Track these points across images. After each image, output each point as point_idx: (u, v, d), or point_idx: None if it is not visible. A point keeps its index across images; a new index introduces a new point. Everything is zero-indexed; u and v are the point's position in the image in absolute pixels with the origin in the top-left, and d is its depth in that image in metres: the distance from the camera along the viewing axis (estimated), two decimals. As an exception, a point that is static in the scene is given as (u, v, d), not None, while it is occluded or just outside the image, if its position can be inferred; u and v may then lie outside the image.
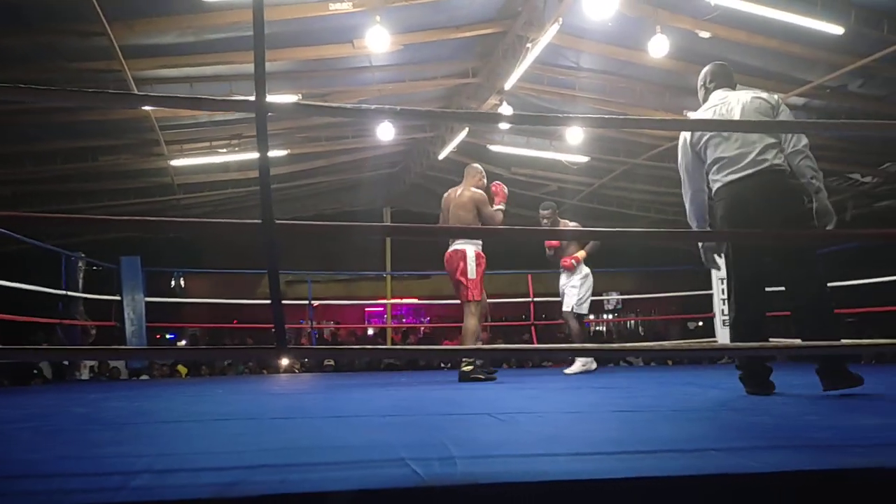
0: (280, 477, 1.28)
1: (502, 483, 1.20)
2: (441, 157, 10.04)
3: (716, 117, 3.02)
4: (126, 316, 6.71)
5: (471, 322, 4.57)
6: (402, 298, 16.39)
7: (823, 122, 6.52)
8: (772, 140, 2.90)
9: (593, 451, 1.57)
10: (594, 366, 5.60)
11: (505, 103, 7.71)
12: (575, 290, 5.58)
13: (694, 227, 3.18)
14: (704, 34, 6.23)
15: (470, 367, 4.46)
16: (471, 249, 4.66)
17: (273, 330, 1.62)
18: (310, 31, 6.41)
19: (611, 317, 18.21)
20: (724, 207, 2.98)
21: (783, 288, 2.95)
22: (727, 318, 7.69)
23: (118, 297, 6.79)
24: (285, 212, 11.80)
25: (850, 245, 5.65)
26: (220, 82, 6.97)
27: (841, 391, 2.73)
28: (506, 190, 5.06)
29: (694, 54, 6.82)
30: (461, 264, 4.64)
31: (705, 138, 3.00)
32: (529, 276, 8.30)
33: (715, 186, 3.03)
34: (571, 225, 5.88)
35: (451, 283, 4.82)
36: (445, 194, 4.99)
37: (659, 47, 6.19)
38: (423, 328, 16.14)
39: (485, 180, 4.96)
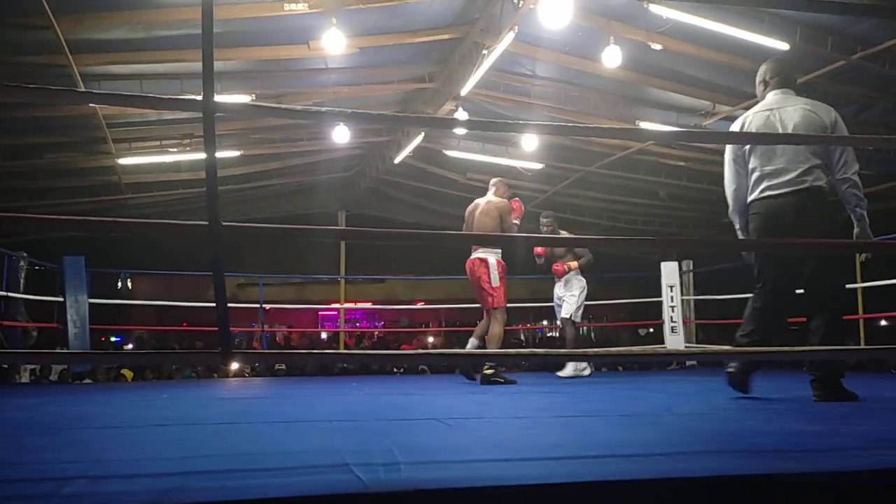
0: (218, 484, 1.25)
1: (446, 489, 1.20)
2: (397, 161, 10.02)
3: (765, 123, 2.95)
4: (69, 318, 6.52)
5: (496, 329, 4.70)
6: (356, 303, 16.30)
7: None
8: (818, 161, 2.86)
9: (537, 456, 1.58)
10: (587, 371, 5.69)
11: (461, 109, 7.75)
12: (574, 298, 5.79)
13: (735, 221, 3.16)
14: (656, 46, 6.37)
15: (491, 371, 4.57)
16: (492, 258, 4.79)
17: (219, 333, 1.59)
18: (264, 31, 6.33)
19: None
20: (757, 221, 2.98)
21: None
22: (674, 324, 7.88)
23: (61, 299, 6.59)
24: (238, 214, 11.62)
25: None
26: (171, 80, 6.83)
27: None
28: (523, 207, 5.24)
29: (646, 65, 6.97)
30: (484, 274, 4.78)
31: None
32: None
33: (751, 197, 3.02)
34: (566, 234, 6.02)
35: (474, 290, 4.97)
36: (471, 205, 5.13)
37: (612, 58, 6.30)
38: (377, 332, 16.07)
39: (509, 193, 5.21)
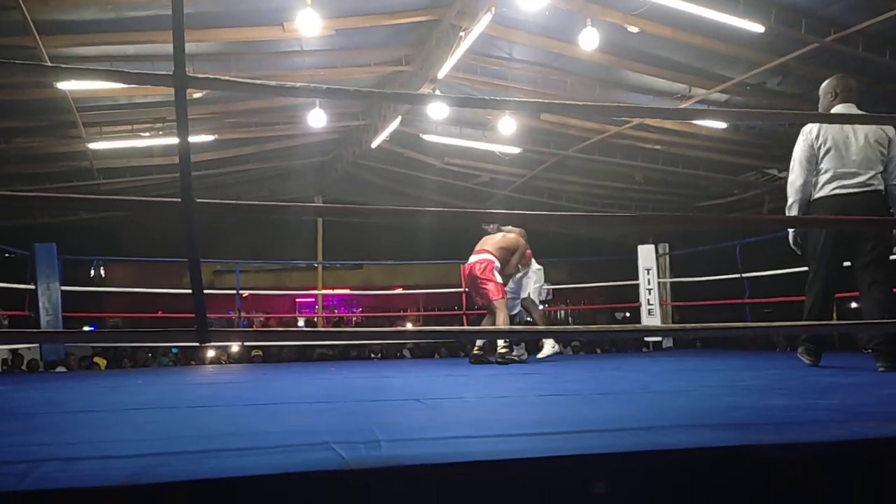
0: (194, 463, 1.23)
1: (427, 465, 1.19)
2: (374, 145, 9.95)
3: (840, 131, 3.38)
4: (41, 305, 6.39)
5: (501, 317, 4.96)
6: (333, 289, 16.24)
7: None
8: (881, 168, 3.36)
9: (518, 432, 1.57)
10: (558, 348, 5.97)
11: (438, 92, 7.70)
12: (531, 278, 5.90)
13: (795, 211, 3.52)
14: (633, 29, 6.36)
15: (505, 350, 4.91)
16: (497, 262, 5.16)
17: (195, 313, 1.56)
18: (238, 12, 6.23)
19: (542, 307, 18.48)
20: (826, 214, 3.39)
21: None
22: (651, 307, 7.95)
23: (32, 286, 6.46)
24: (213, 199, 11.45)
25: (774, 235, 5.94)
26: (142, 62, 6.70)
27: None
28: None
29: (623, 48, 6.97)
30: (489, 269, 5.09)
31: (826, 146, 3.39)
32: (461, 266, 8.32)
33: (819, 194, 3.44)
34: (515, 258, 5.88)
35: (471, 291, 5.29)
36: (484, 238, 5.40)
37: (589, 40, 6.29)
38: (355, 319, 16.03)
39: (526, 247, 5.41)
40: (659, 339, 7.93)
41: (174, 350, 9.27)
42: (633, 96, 7.97)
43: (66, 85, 6.94)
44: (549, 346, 5.81)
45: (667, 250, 8.81)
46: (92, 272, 15.29)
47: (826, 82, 3.64)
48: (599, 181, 11.48)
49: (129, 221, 13.24)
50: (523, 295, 5.89)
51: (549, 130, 9.74)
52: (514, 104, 2.99)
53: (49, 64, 5.23)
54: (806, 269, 3.65)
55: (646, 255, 8.06)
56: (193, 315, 1.52)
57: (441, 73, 7.25)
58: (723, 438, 1.40)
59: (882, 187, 3.34)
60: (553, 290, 7.29)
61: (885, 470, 1.31)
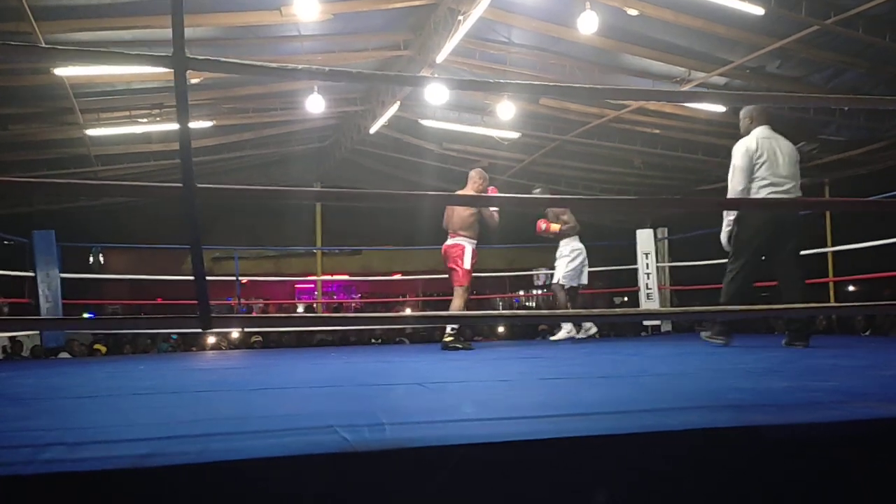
0: (200, 447, 1.24)
1: (431, 447, 1.19)
2: (372, 131, 9.91)
3: (768, 148, 4.06)
4: (40, 292, 6.39)
5: (456, 303, 5.22)
6: (332, 275, 16.24)
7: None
8: (798, 177, 4.12)
9: (522, 415, 1.58)
10: (580, 333, 6.01)
11: (437, 76, 7.66)
12: (563, 262, 6.02)
13: (731, 215, 4.20)
14: (633, 12, 6.32)
15: (451, 338, 5.06)
16: (469, 247, 5.25)
17: (197, 299, 1.56)
18: (236, -3, 6.18)
19: (540, 292, 18.54)
20: (766, 213, 4.05)
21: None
22: (650, 291, 7.96)
23: (32, 274, 6.46)
24: (211, 185, 11.42)
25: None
26: (140, 47, 6.64)
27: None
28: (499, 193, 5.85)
29: (622, 32, 6.93)
30: (458, 256, 5.24)
31: (763, 159, 4.03)
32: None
33: (757, 196, 4.03)
34: (565, 217, 6.18)
35: (448, 271, 5.39)
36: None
37: (588, 24, 6.24)
38: (354, 304, 16.06)
39: (486, 184, 5.41)
40: (658, 323, 7.94)
41: (174, 336, 9.27)
42: (633, 80, 7.93)
43: (64, 71, 6.90)
44: (564, 331, 5.99)
45: (666, 234, 8.81)
46: (91, 259, 15.27)
47: (744, 109, 4.35)
48: (598, 166, 11.45)
49: (128, 208, 13.21)
50: (553, 281, 6.02)
51: (547, 115, 9.70)
52: (514, 87, 2.98)
53: (46, 45, 5.19)
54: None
55: (644, 239, 8.06)
56: (194, 301, 1.53)
57: (440, 58, 7.20)
58: (725, 419, 1.41)
59: (798, 193, 4.12)
60: (551, 275, 7.31)
61: (884, 449, 1.32)
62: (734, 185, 4.11)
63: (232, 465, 1.09)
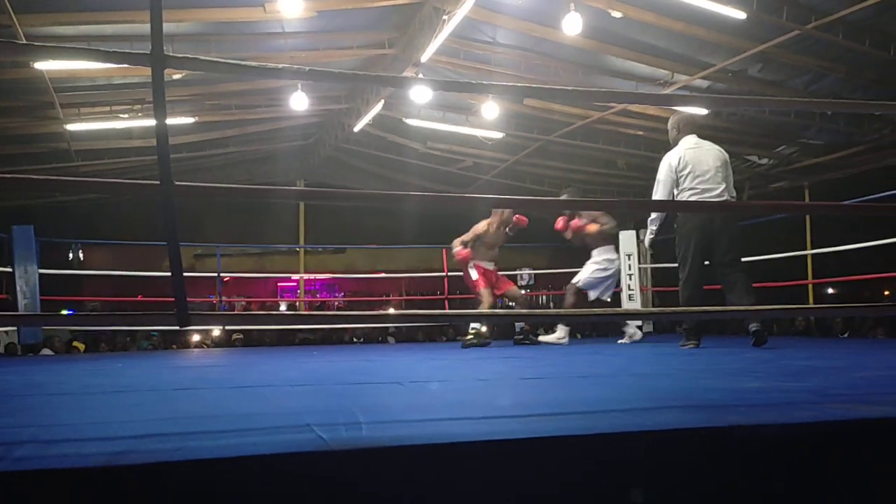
0: (174, 445, 1.23)
1: (408, 446, 1.20)
2: (356, 129, 9.89)
3: (692, 158, 4.26)
4: (18, 288, 6.31)
5: (482, 307, 5.72)
6: (315, 273, 16.16)
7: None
8: (725, 184, 4.25)
9: (498, 414, 1.59)
10: (625, 339, 5.81)
11: (421, 76, 7.65)
12: (591, 267, 5.84)
13: (657, 223, 4.58)
14: (616, 14, 6.36)
15: (471, 336, 5.54)
16: (472, 270, 5.85)
17: (174, 296, 1.55)
18: (218, -7, 6.15)
19: (523, 292, 18.57)
20: (693, 221, 4.24)
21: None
22: (632, 292, 8.01)
23: (9, 269, 6.38)
24: (192, 182, 11.33)
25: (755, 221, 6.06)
26: (120, 42, 6.60)
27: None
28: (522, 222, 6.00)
29: (606, 34, 6.97)
30: (465, 276, 5.94)
31: (687, 170, 4.23)
32: (444, 251, 8.33)
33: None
34: (603, 219, 5.91)
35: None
36: (489, 227, 5.89)
37: (572, 25, 6.27)
38: (337, 303, 16.01)
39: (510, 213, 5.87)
40: (639, 323, 8.00)
41: (154, 333, 9.19)
42: (617, 82, 7.98)
43: (44, 65, 6.82)
44: (556, 334, 5.89)
45: (648, 236, 8.86)
46: (70, 255, 15.08)
47: (671, 119, 4.60)
48: (582, 167, 11.50)
49: (109, 204, 13.08)
50: (572, 281, 5.85)
51: (532, 115, 9.73)
52: (498, 88, 2.98)
53: (23, 42, 5.13)
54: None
55: (627, 240, 8.11)
56: (173, 299, 1.52)
57: (424, 57, 7.21)
58: (698, 420, 1.42)
59: (729, 198, 4.26)
60: (535, 274, 7.36)
61: (856, 451, 1.34)
62: (656, 198, 4.40)
63: (205, 465, 1.08)
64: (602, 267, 5.81)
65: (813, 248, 6.87)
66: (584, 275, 5.84)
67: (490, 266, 5.96)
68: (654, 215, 4.55)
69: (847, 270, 7.58)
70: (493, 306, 5.96)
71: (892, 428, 1.37)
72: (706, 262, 4.29)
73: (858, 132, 8.69)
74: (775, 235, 8.54)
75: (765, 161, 10.35)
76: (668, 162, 4.35)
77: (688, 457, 1.26)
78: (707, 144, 4.40)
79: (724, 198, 4.22)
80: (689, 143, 4.36)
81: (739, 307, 3.77)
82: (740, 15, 6.02)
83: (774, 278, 6.78)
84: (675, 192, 4.31)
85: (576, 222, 5.80)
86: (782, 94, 7.59)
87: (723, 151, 4.41)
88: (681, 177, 4.26)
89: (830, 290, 16.21)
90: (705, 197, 4.17)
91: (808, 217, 9.54)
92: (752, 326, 4.16)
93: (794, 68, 7.24)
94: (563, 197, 6.05)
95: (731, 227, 4.26)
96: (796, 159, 9.87)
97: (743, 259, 4.34)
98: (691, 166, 4.22)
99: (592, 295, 5.81)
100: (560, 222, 5.91)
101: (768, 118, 8.76)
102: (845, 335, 7.43)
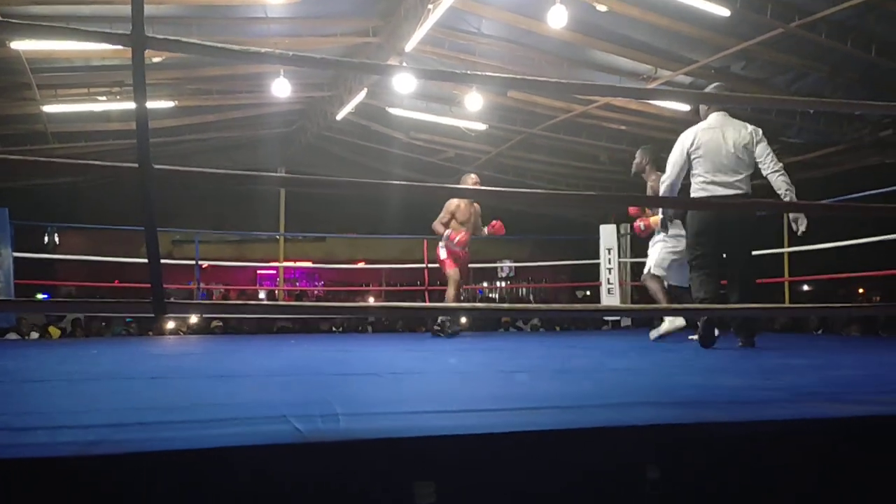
0: (148, 435, 1.22)
1: (384, 438, 1.19)
2: (339, 117, 9.81)
3: (707, 141, 3.82)
4: (-9, 272, 6.21)
5: (448, 291, 5.94)
6: (295, 261, 16.08)
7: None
8: (748, 172, 3.78)
9: (475, 408, 1.59)
10: (680, 322, 4.58)
11: (405, 65, 7.60)
12: (655, 250, 4.91)
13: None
14: (601, 8, 6.35)
15: (438, 327, 5.74)
16: (441, 249, 6.08)
17: (151, 284, 1.53)
18: (200, -25, 6.05)
19: (503, 284, 18.64)
20: (703, 214, 3.82)
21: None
22: (611, 286, 8.07)
23: (-18, 252, 6.27)
24: (172, 166, 11.19)
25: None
26: (99, 23, 6.46)
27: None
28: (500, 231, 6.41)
29: (591, 27, 6.96)
30: (438, 256, 6.15)
31: (699, 153, 3.80)
32: (425, 242, 8.31)
33: (697, 195, 3.81)
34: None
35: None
36: (460, 203, 6.19)
37: (558, 18, 6.25)
38: (316, 291, 15.95)
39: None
40: (618, 317, 8.06)
41: (129, 319, 9.09)
42: (600, 76, 7.98)
43: (20, 45, 6.69)
44: (663, 326, 4.65)
45: (628, 230, 8.93)
46: (46, 239, 14.87)
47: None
48: (565, 160, 11.51)
49: (86, 188, 12.89)
50: (644, 271, 4.99)
51: (515, 108, 9.72)
52: (482, 79, 2.98)
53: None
54: (765, 252, 4.27)
55: (607, 234, 8.16)
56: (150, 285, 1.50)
57: (409, 46, 7.16)
58: (671, 416, 1.43)
59: (749, 190, 3.79)
60: (515, 267, 7.37)
61: (828, 449, 1.36)
62: (663, 178, 4.02)
63: (179, 455, 1.07)
64: (671, 246, 4.82)
65: (790, 245, 6.93)
66: (653, 258, 4.90)
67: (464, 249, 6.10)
68: (663, 189, 4.03)
69: (822, 268, 7.69)
70: (459, 287, 6.02)
71: (863, 426, 1.39)
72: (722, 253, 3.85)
73: (838, 132, 8.78)
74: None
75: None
76: (682, 142, 3.94)
77: (659, 452, 1.27)
78: (734, 124, 3.89)
79: (742, 189, 3.73)
80: (712, 121, 3.90)
81: (721, 306, 3.52)
82: (724, 12, 6.04)
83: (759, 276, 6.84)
84: (692, 179, 3.88)
85: (643, 223, 5.08)
86: (765, 91, 7.64)
87: (750, 131, 3.86)
88: (694, 160, 3.84)
89: (806, 287, 16.43)
90: (718, 190, 3.72)
91: (785, 215, 9.64)
92: (740, 343, 3.69)
93: (777, 66, 7.28)
94: (638, 153, 5.45)
95: (752, 223, 3.83)
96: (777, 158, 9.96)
97: (754, 255, 3.93)
98: (704, 150, 3.79)
99: (674, 279, 4.83)
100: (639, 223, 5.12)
101: (750, 115, 8.80)
102: (819, 332, 7.54)
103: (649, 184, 5.11)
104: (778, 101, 3.78)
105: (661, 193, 4.05)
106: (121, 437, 1.23)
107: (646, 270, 4.96)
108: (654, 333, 4.63)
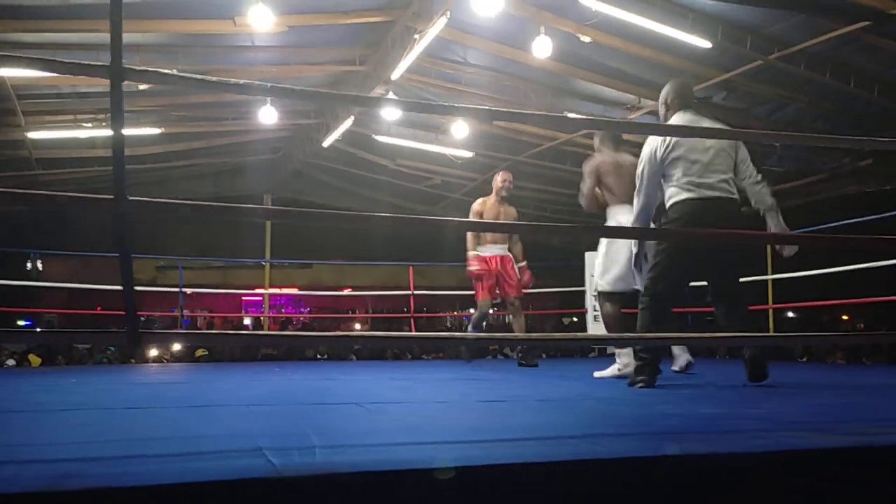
0: (119, 469, 1.19)
1: (361, 472, 1.17)
2: (326, 144, 9.85)
3: (672, 144, 3.16)
4: (-29, 299, 6.14)
5: (473, 318, 5.79)
6: (281, 288, 16.00)
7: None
8: (730, 174, 3.18)
9: (454, 439, 1.57)
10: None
11: (391, 94, 7.66)
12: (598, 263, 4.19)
13: (639, 222, 3.34)
14: (586, 38, 6.45)
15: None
16: (472, 265, 5.62)
17: (125, 315, 1.51)
18: (187, 4, 6.08)
19: (490, 311, 18.53)
20: (680, 223, 3.15)
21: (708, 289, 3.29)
22: (597, 313, 8.06)
23: (-38, 279, 6.21)
24: (158, 194, 11.17)
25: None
26: (86, 51, 6.49)
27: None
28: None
29: (575, 57, 7.06)
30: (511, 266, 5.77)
31: (673, 155, 3.14)
32: (411, 269, 8.31)
33: (672, 200, 3.19)
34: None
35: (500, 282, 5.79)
36: (486, 201, 5.96)
37: (542, 48, 6.35)
38: (302, 318, 15.83)
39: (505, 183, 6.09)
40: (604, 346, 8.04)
41: (112, 348, 8.97)
42: (585, 105, 8.08)
43: (6, 72, 6.68)
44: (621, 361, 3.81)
45: (613, 258, 8.94)
46: (29, 265, 14.71)
47: (661, 93, 3.50)
48: (550, 187, 11.59)
49: (70, 214, 12.82)
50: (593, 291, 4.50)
51: (501, 136, 9.80)
52: (465, 111, 3.00)
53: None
54: (750, 279, 3.45)
55: (592, 261, 8.17)
56: (136, 314, 1.48)
57: (395, 75, 7.22)
58: (650, 448, 1.42)
59: (735, 193, 3.18)
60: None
61: (808, 480, 1.35)
62: (637, 203, 3.32)
63: (147, 491, 1.05)
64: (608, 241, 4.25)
65: (774, 273, 6.98)
66: (598, 267, 4.22)
67: (496, 251, 5.65)
68: (636, 211, 3.34)
69: (804, 295, 7.73)
70: (483, 317, 5.92)
71: (843, 459, 1.39)
72: (690, 281, 3.34)
73: (818, 160, 8.91)
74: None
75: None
76: (650, 148, 3.23)
77: (637, 486, 1.26)
78: (707, 121, 3.35)
79: (733, 194, 3.16)
80: (681, 121, 3.28)
81: (704, 335, 2.66)
82: (706, 44, 6.15)
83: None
84: (665, 185, 3.23)
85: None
86: (746, 121, 7.74)
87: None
88: (668, 164, 3.17)
89: (790, 314, 16.50)
90: (704, 192, 3.11)
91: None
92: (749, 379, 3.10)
93: (758, 97, 7.40)
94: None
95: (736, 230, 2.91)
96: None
97: (741, 280, 3.34)
98: (684, 148, 3.13)
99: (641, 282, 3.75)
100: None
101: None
102: (804, 360, 7.55)
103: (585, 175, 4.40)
104: (758, 134, 3.70)
105: (637, 211, 3.32)
106: (91, 471, 1.21)
107: (596, 290, 4.25)
108: (598, 374, 3.88)
